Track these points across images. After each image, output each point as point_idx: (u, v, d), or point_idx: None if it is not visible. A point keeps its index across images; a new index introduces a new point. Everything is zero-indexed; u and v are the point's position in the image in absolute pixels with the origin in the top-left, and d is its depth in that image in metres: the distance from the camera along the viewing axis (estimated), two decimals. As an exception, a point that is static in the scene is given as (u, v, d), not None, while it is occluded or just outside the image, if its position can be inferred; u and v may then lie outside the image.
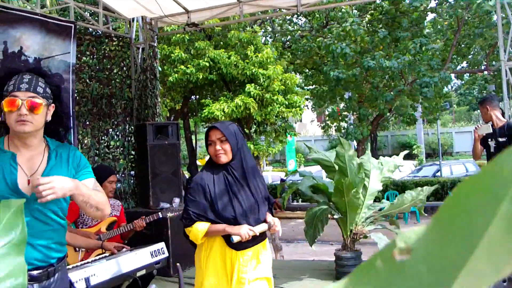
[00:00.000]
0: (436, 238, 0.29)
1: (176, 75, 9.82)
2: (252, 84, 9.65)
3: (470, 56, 12.63)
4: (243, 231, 2.81)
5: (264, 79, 9.61)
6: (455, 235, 0.29)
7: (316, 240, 5.93)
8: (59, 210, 2.27)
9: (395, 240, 0.31)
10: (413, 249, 0.30)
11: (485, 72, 12.63)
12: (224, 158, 2.91)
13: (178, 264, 3.96)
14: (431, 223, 0.30)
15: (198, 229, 2.88)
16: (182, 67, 9.78)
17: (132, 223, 4.45)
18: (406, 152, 6.43)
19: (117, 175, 6.85)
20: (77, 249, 4.20)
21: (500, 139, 5.21)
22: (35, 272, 2.18)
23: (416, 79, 10.33)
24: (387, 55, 10.25)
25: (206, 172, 2.94)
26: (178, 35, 10.08)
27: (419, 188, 5.80)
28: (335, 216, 5.56)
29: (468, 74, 14.31)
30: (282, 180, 17.49)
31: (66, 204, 2.31)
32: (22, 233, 0.60)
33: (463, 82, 15.56)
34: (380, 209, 5.90)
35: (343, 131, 12.25)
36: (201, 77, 9.88)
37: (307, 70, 13.75)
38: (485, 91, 11.01)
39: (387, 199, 8.58)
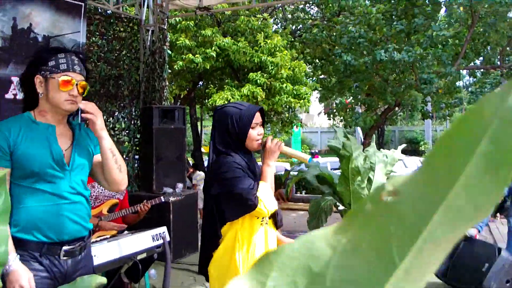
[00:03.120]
0: (420, 179, 0.31)
1: (181, 62, 9.73)
2: (259, 72, 9.56)
3: (485, 52, 12.44)
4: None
5: (272, 67, 9.52)
6: (436, 174, 0.30)
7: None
8: (85, 181, 2.35)
9: (384, 183, 0.32)
10: (399, 191, 0.31)
11: (498, 70, 12.46)
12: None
13: (166, 245, 3.88)
14: (419, 168, 0.31)
15: (268, 192, 2.46)
16: (190, 55, 9.69)
17: (134, 207, 4.41)
18: (404, 145, 6.36)
19: (122, 158, 6.82)
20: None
21: None
22: (70, 247, 2.25)
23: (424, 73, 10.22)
24: (399, 48, 10.12)
25: (237, 157, 2.51)
26: (183, 22, 9.97)
27: None
28: (340, 208, 5.52)
29: (481, 73, 14.13)
30: (287, 171, 17.45)
31: (86, 177, 2.37)
32: (5, 202, 0.57)
33: (475, 79, 15.36)
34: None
35: (348, 119, 12.12)
36: (208, 67, 9.80)
37: (316, 60, 13.62)
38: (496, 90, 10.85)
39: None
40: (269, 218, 2.57)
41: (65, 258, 2.22)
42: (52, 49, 2.30)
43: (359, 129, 18.92)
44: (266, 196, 2.43)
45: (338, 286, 0.33)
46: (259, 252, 2.46)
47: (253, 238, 2.47)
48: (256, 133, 2.54)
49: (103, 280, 0.72)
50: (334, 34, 11.61)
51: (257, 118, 2.56)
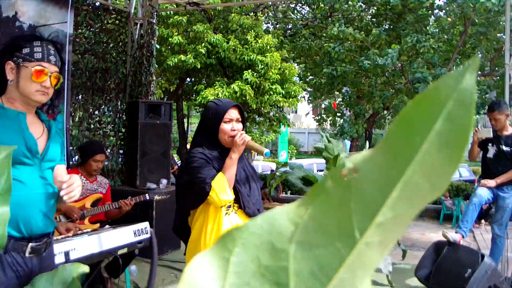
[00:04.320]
0: (379, 156, 0.31)
1: (174, 59, 9.70)
2: (250, 71, 9.56)
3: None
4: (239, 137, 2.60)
5: (262, 66, 9.52)
6: (395, 151, 0.31)
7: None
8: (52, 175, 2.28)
9: (344, 161, 0.33)
10: (359, 168, 0.32)
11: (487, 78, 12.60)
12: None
13: (154, 240, 3.85)
14: (377, 145, 0.32)
15: (222, 183, 2.54)
16: (182, 56, 9.66)
17: (118, 202, 4.38)
18: None
19: (106, 152, 6.77)
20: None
21: (505, 148, 5.12)
22: (37, 243, 2.14)
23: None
24: (379, 53, 10.18)
25: (208, 150, 2.64)
26: (176, 17, 9.94)
27: None
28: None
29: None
30: (272, 171, 17.49)
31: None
32: (7, 182, 0.55)
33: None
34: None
35: (338, 127, 12.19)
36: (198, 65, 9.77)
37: (306, 63, 13.68)
38: (486, 96, 10.97)
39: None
40: (239, 208, 2.65)
41: (30, 255, 2.11)
42: (29, 36, 2.22)
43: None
44: (219, 185, 2.52)
45: (300, 260, 0.33)
46: None
47: (216, 226, 2.57)
48: (229, 128, 2.64)
49: (86, 268, 0.71)
50: (318, 47, 11.70)
51: (231, 113, 2.66)
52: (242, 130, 2.70)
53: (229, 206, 2.62)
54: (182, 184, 2.70)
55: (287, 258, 0.33)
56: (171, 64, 9.77)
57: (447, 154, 0.30)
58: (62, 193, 2.06)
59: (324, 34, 12.05)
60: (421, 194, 0.31)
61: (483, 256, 4.36)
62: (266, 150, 2.79)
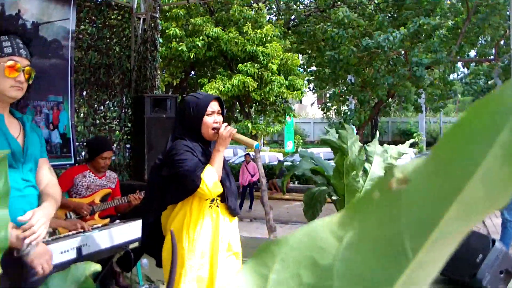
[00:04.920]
0: (433, 167, 0.29)
1: (165, 49, 9.66)
2: (249, 63, 9.51)
3: (479, 44, 12.45)
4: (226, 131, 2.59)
5: (263, 57, 9.47)
6: (452, 164, 0.28)
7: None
8: (35, 172, 2.22)
9: (393, 170, 0.30)
10: (410, 179, 0.29)
11: (493, 62, 12.48)
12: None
13: (171, 229, 3.85)
14: (430, 154, 0.29)
15: (212, 175, 2.53)
16: (174, 43, 9.61)
17: (127, 197, 4.37)
18: (412, 140, 6.34)
19: (113, 147, 6.77)
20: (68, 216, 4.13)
21: None
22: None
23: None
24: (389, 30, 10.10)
25: (192, 142, 2.63)
26: (174, 10, 9.88)
27: None
28: (333, 198, 5.52)
29: (474, 64, 14.15)
30: (280, 162, 17.47)
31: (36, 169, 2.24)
32: (6, 185, 0.55)
33: (469, 71, 15.39)
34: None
35: (343, 115, 12.14)
36: (192, 56, 9.72)
37: (309, 51, 13.59)
38: (490, 81, 10.90)
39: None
40: (221, 202, 2.67)
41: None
42: None
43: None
44: (209, 177, 2.51)
45: (346, 280, 0.31)
46: (205, 234, 2.57)
47: (200, 220, 2.57)
48: (211, 121, 2.64)
49: (98, 267, 0.71)
50: (322, 31, 11.62)
51: (213, 106, 2.67)
52: (223, 122, 2.70)
53: (213, 200, 2.62)
54: (164, 177, 2.63)
55: (331, 277, 0.30)
56: (163, 52, 9.71)
57: (511, 169, 0.27)
58: (24, 238, 1.90)
59: (329, 23, 11.95)
60: (479, 209, 0.29)
61: (494, 241, 4.35)
62: (256, 143, 2.81)
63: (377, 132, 7.00)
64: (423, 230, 0.29)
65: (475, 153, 0.27)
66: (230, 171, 2.82)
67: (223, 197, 2.67)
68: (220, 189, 2.57)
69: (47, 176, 2.24)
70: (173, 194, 2.62)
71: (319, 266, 0.31)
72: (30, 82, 2.11)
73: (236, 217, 2.80)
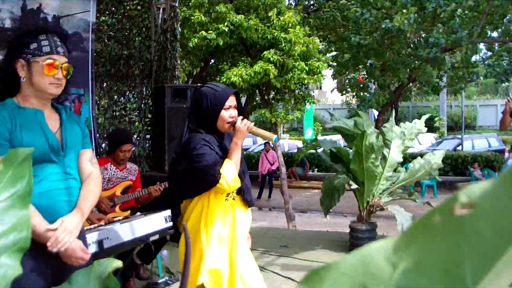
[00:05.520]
0: (502, 193, 0.27)
1: (195, 39, 9.64)
2: (272, 50, 9.44)
3: (502, 26, 12.15)
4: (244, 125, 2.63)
5: (285, 43, 9.39)
6: None
7: (330, 211, 5.87)
8: (77, 163, 2.30)
9: (457, 193, 0.28)
10: (476, 204, 0.27)
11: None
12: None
13: (184, 223, 3.88)
14: (499, 178, 0.27)
15: (231, 169, 2.56)
16: (203, 32, 9.59)
17: (148, 189, 4.40)
18: (427, 115, 6.21)
19: (133, 138, 6.82)
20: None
21: None
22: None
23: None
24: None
25: (208, 135, 2.64)
26: (197, -2, 9.86)
27: (428, 154, 5.72)
28: (353, 187, 5.48)
29: (498, 45, 13.83)
30: (299, 149, 17.44)
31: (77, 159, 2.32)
32: (28, 185, 0.57)
33: (492, 53, 15.08)
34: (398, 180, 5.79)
35: (361, 99, 12.00)
36: (221, 42, 9.69)
37: (329, 36, 13.46)
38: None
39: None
40: (237, 194, 2.68)
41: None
42: (33, 31, 2.20)
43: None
44: (228, 172, 2.54)
45: None
46: (223, 228, 2.60)
47: (217, 213, 2.59)
48: (228, 115, 2.65)
49: (119, 263, 0.72)
50: (346, 14, 11.44)
51: (231, 100, 2.67)
52: (239, 116, 2.71)
53: (228, 193, 2.63)
54: (181, 171, 2.63)
55: (383, 305, 0.29)
56: (193, 45, 9.70)
57: None
58: (48, 244, 2.00)
59: (352, 1, 11.74)
60: None
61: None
62: (275, 136, 2.81)
63: (393, 112, 6.91)
64: (487, 259, 0.27)
65: None
66: (245, 162, 2.82)
67: (239, 190, 2.68)
68: (238, 184, 2.60)
69: (87, 169, 2.31)
70: (191, 188, 2.63)
71: (372, 293, 0.29)
72: (69, 77, 2.20)
73: (251, 208, 2.81)
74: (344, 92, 14.20)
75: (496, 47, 13.93)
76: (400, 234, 0.30)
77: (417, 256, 0.29)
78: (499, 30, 12.28)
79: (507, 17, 11.38)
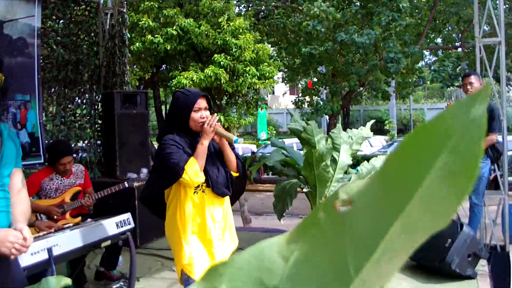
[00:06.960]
0: (376, 188, 0.30)
1: (139, 44, 9.56)
2: (223, 54, 9.47)
3: (445, 32, 12.62)
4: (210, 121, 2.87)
5: (236, 49, 9.44)
6: (394, 185, 0.29)
7: (284, 214, 5.93)
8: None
9: (338, 191, 0.31)
10: (354, 200, 0.30)
11: (459, 49, 12.68)
12: None
13: (128, 233, 3.91)
14: (374, 175, 0.30)
15: (194, 166, 2.82)
16: (149, 36, 9.52)
17: (79, 201, 4.37)
18: (373, 121, 6.38)
19: (83, 144, 6.68)
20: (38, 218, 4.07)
21: None
22: None
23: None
24: (360, 29, 10.16)
25: (178, 137, 2.91)
26: (147, 3, 9.78)
27: (373, 159, 5.88)
28: (305, 190, 5.55)
29: (441, 51, 14.36)
30: (253, 153, 17.47)
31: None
32: None
33: (436, 58, 15.63)
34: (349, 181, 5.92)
35: (315, 106, 12.21)
36: (169, 47, 9.64)
37: (279, 43, 13.61)
38: (458, 69, 11.10)
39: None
40: (206, 187, 2.95)
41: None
42: None
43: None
44: (191, 168, 2.81)
45: None
46: (193, 217, 2.91)
47: (187, 205, 2.89)
48: (198, 116, 2.90)
49: (68, 281, 0.71)
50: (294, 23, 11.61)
51: (200, 103, 2.92)
52: (211, 115, 2.96)
53: (197, 186, 2.91)
54: (154, 167, 3.09)
55: (277, 297, 0.31)
56: (135, 49, 9.61)
57: (451, 188, 0.28)
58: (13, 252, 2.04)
59: (301, 16, 11.95)
60: (422, 228, 0.29)
61: (462, 226, 4.47)
62: (235, 138, 3.08)
63: (339, 117, 7.06)
64: (365, 249, 0.29)
65: (416, 175, 0.28)
66: (222, 161, 3.06)
67: (209, 183, 2.94)
68: (201, 179, 2.86)
69: (17, 188, 2.28)
70: (160, 181, 2.95)
71: (266, 286, 0.31)
72: (0, 87, 2.14)
73: (227, 198, 3.10)
74: (298, 104, 14.42)
75: (440, 53, 14.46)
76: (291, 230, 0.32)
77: (306, 249, 0.31)
78: (441, 36, 12.74)
79: (449, 24, 11.83)
